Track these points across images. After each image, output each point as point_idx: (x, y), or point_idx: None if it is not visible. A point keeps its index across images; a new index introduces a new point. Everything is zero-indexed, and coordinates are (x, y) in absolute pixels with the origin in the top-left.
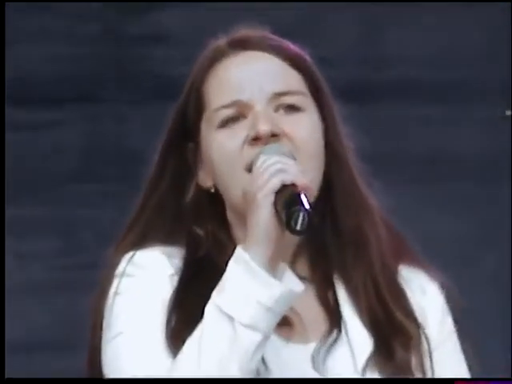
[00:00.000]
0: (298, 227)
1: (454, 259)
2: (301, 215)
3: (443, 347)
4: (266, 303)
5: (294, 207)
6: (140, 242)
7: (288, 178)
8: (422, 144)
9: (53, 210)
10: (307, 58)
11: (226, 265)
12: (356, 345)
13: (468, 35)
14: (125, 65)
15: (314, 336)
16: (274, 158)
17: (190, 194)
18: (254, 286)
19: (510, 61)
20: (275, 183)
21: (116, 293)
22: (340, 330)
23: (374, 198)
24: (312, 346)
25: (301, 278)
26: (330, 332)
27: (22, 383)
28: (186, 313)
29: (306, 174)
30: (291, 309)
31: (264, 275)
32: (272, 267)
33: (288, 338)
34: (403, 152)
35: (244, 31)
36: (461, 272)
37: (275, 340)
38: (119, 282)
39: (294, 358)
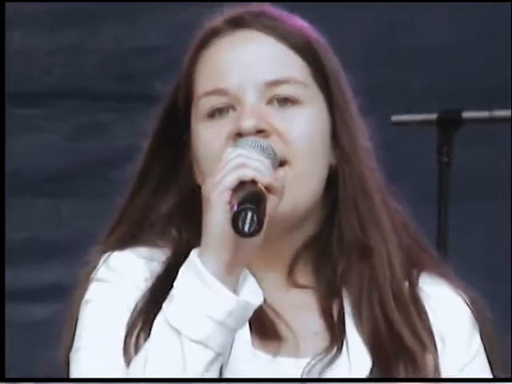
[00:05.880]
0: (246, 229)
1: None
2: (249, 215)
3: (471, 365)
4: (217, 317)
5: (243, 205)
6: (127, 241)
7: (247, 174)
8: None
9: None
10: (315, 38)
11: None
12: (354, 364)
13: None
14: None
15: (310, 351)
16: (237, 151)
17: (181, 191)
18: (204, 297)
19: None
20: (232, 179)
21: (86, 300)
22: (341, 347)
23: (391, 202)
24: (304, 361)
25: (302, 286)
26: (329, 348)
27: (21, 382)
28: (149, 321)
29: (299, 179)
30: (283, 321)
31: (216, 284)
32: (229, 275)
33: (275, 353)
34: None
35: (243, 8)
36: None
37: (259, 355)
38: (91, 287)
39: (282, 374)
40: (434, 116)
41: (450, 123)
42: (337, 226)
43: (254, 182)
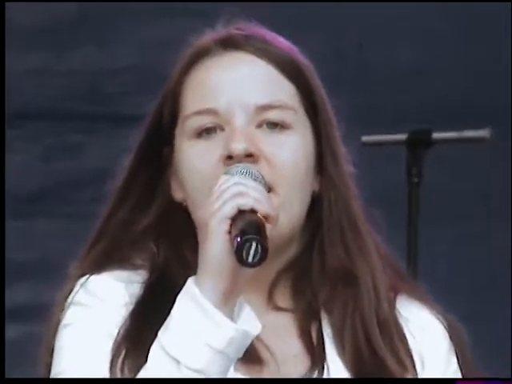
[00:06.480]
0: (250, 259)
1: None
2: (253, 246)
3: None
4: (216, 346)
5: (247, 236)
6: (103, 262)
7: (246, 203)
8: None
9: None
10: (304, 63)
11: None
12: None
13: None
14: None
15: (290, 374)
16: (234, 179)
17: (160, 206)
18: (203, 326)
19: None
20: (230, 209)
21: (64, 324)
22: (322, 371)
23: (372, 228)
24: None
25: (281, 309)
26: (310, 371)
27: (21, 383)
28: (134, 347)
29: (284, 206)
30: (263, 344)
31: (215, 314)
32: (226, 303)
33: (256, 377)
34: None
35: (235, 27)
36: None
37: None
38: (69, 311)
39: None
40: (403, 136)
41: (419, 144)
42: (318, 251)
43: (252, 211)
